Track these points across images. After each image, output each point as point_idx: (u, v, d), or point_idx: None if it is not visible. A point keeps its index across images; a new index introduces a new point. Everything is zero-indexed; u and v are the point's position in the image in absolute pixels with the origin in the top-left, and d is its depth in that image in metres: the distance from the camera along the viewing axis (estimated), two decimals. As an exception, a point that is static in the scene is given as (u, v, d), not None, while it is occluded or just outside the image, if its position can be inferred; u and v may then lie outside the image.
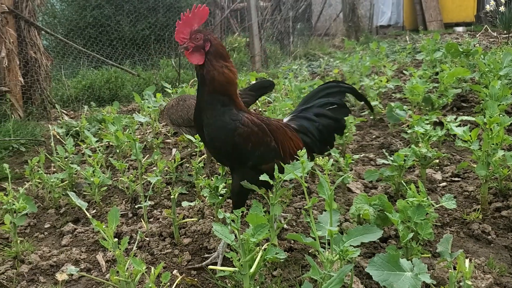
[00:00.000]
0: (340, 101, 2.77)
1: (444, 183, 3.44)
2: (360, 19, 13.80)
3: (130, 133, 3.62)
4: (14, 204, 2.69)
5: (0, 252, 2.88)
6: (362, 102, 4.81)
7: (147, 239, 2.88)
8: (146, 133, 5.44)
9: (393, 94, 6.03)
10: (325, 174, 1.92)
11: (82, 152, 4.46)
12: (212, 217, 3.12)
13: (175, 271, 2.45)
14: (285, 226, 2.87)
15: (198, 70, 2.39)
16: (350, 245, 1.89)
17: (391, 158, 3.07)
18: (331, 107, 2.75)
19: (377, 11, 15.76)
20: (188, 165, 4.14)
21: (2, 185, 4.06)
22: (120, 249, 1.93)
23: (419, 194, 2.30)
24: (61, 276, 2.49)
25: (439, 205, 2.40)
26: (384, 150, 3.48)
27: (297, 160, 2.54)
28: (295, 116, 2.77)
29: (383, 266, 1.79)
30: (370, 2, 15.34)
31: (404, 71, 6.74)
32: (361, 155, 4.05)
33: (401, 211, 2.28)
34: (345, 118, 2.83)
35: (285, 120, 2.75)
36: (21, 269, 2.64)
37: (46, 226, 3.28)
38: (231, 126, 2.37)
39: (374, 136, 4.67)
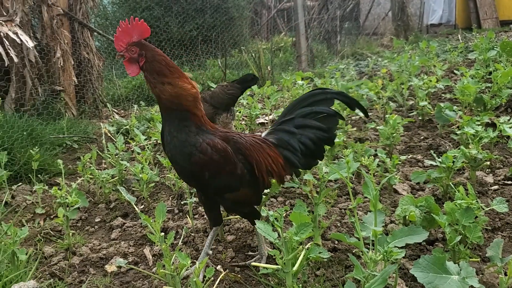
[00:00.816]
0: (327, 109, 2.51)
1: (496, 187, 3.31)
2: (409, 17, 13.50)
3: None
4: (67, 198, 2.81)
5: (53, 244, 3.01)
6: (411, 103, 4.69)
7: (192, 234, 2.94)
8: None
9: (442, 95, 5.87)
10: (370, 174, 1.90)
11: (132, 149, 4.60)
12: (256, 215, 3.14)
13: (219, 267, 2.49)
14: (329, 226, 2.86)
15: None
16: (395, 246, 1.86)
17: (439, 160, 3.00)
18: (316, 117, 2.51)
19: (427, 9, 15.37)
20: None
21: (56, 180, 4.26)
22: (166, 243, 1.98)
23: (468, 197, 2.24)
24: (110, 268, 2.58)
25: (489, 208, 2.32)
26: (432, 152, 3.39)
27: (275, 178, 2.42)
28: (273, 130, 2.56)
29: (428, 268, 1.76)
30: (421, 0, 14.96)
31: (455, 71, 6.53)
32: (409, 156, 3.97)
33: (448, 213, 2.22)
34: (336, 127, 2.57)
35: (263, 134, 2.56)
36: (73, 261, 2.75)
37: (96, 220, 3.41)
38: (187, 150, 2.21)
39: (422, 137, 4.56)
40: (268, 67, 8.81)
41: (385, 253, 1.83)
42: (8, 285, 2.20)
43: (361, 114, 3.53)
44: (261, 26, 14.35)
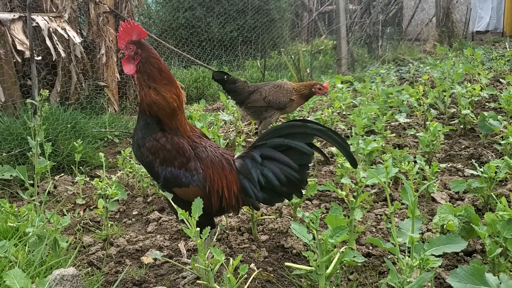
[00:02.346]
0: (300, 145, 2.27)
1: (540, 200, 3.20)
2: (454, 24, 13.15)
3: (215, 130, 3.75)
4: (107, 190, 2.89)
5: (92, 234, 3.10)
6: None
7: (227, 232, 2.97)
8: (229, 131, 5.58)
9: (486, 104, 5.72)
10: (410, 180, 1.87)
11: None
12: (289, 217, 3.15)
13: (252, 265, 2.51)
14: (364, 231, 2.83)
15: None
16: (432, 254, 1.83)
17: (481, 169, 2.92)
18: (286, 150, 2.30)
19: (474, 16, 14.94)
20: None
21: (96, 172, 4.38)
22: (201, 238, 2.01)
23: (510, 208, 2.17)
24: (146, 260, 2.64)
25: (533, 221, 2.24)
26: (473, 161, 3.31)
27: (223, 204, 2.29)
28: (245, 153, 2.42)
29: (466, 279, 1.72)
30: (467, 6, 14.58)
31: (501, 80, 6.35)
32: (448, 165, 3.88)
33: (489, 224, 2.17)
34: (307, 165, 2.32)
35: (237, 155, 2.45)
36: (110, 251, 2.83)
37: (134, 213, 3.49)
38: (143, 139, 2.28)
39: (463, 146, 4.45)
40: (307, 69, 8.78)
41: (421, 261, 1.80)
42: (49, 270, 2.28)
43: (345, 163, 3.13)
44: (301, 29, 14.32)
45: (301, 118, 5.01)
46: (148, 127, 2.29)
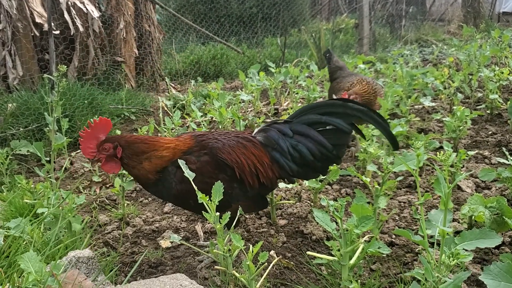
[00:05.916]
0: (338, 123, 2.22)
1: None
2: (481, 4, 12.74)
3: (235, 110, 3.65)
4: (124, 169, 2.83)
5: (108, 213, 3.07)
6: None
7: (245, 216, 2.90)
8: (248, 111, 5.48)
9: (515, 88, 5.51)
10: (444, 170, 1.76)
11: (187, 125, 4.60)
12: (309, 202, 3.06)
13: (272, 252, 2.43)
14: (387, 219, 2.73)
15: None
16: (463, 249, 1.73)
17: (511, 158, 2.79)
18: (322, 129, 2.26)
19: (501, -4, 14.45)
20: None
21: (113, 149, 4.33)
22: (221, 223, 1.94)
23: (546, 201, 2.06)
24: (164, 243, 2.58)
25: None
26: (504, 149, 3.17)
27: (261, 179, 2.24)
28: (266, 127, 2.36)
29: (500, 276, 1.62)
30: (494, -14, 14.09)
31: (529, 63, 6.11)
32: (475, 152, 3.74)
33: (522, 217, 2.06)
34: (344, 144, 2.31)
35: (255, 131, 2.38)
36: (126, 231, 2.78)
37: (150, 192, 3.43)
38: (168, 187, 2.21)
39: (490, 132, 4.29)
40: (328, 48, 8.59)
41: (451, 255, 1.70)
42: (63, 251, 2.24)
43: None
44: (322, 6, 14.02)
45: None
46: (161, 175, 2.21)
